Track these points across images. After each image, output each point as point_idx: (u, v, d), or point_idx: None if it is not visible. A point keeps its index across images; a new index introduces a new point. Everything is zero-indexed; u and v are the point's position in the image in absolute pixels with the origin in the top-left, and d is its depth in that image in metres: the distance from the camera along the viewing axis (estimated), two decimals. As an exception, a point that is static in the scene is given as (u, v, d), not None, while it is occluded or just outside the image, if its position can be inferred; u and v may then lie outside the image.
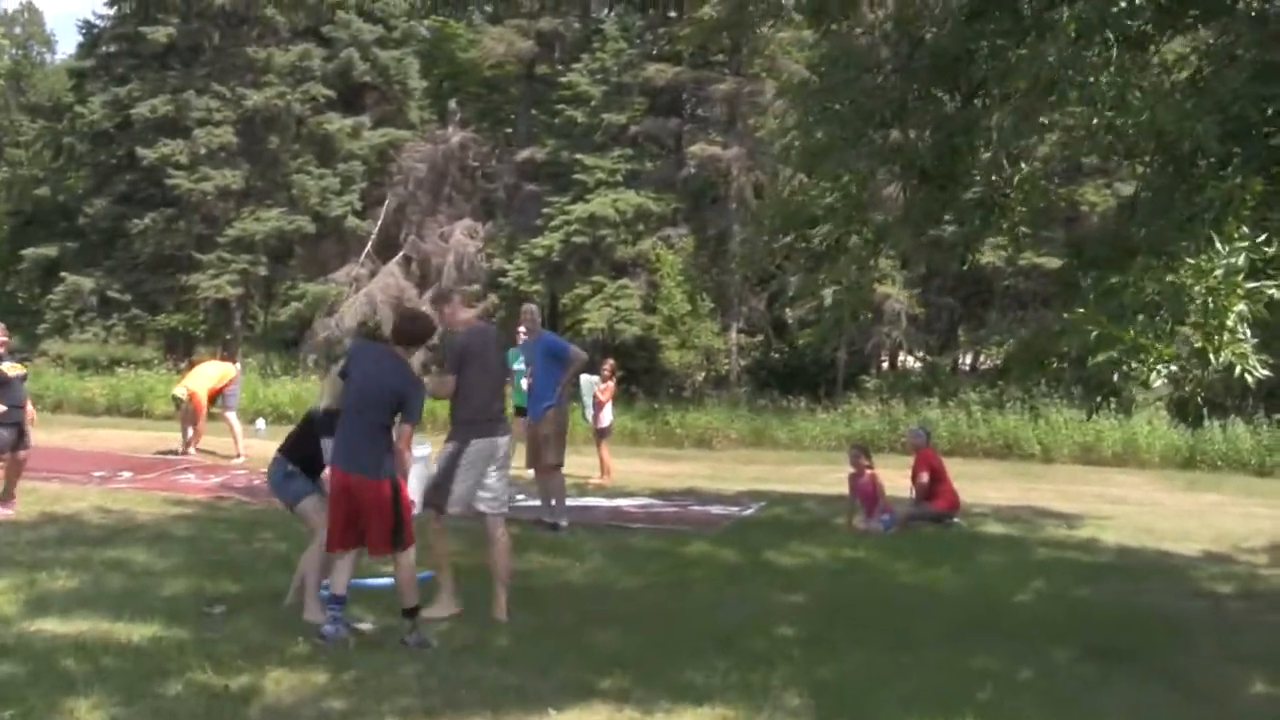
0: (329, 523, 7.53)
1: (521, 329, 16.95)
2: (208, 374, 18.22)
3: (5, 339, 12.32)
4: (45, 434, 20.28)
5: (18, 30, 55.81)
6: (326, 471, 7.82)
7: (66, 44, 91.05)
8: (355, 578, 7.82)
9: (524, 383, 16.01)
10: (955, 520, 13.44)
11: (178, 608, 7.98)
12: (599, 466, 16.70)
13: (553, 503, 12.17)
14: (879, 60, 9.16)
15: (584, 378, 15.97)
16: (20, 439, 12.17)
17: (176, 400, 18.22)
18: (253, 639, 7.33)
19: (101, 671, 6.54)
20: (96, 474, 15.36)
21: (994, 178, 8.47)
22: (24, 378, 12.54)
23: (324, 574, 7.84)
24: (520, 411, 16.42)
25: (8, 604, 7.99)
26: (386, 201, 31.42)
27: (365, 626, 7.70)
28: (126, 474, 15.50)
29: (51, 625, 7.46)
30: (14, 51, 54.52)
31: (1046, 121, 7.87)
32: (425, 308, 28.25)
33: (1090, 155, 10.89)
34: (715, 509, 14.31)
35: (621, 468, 17.64)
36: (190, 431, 17.80)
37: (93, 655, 6.83)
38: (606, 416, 16.98)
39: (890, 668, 7.35)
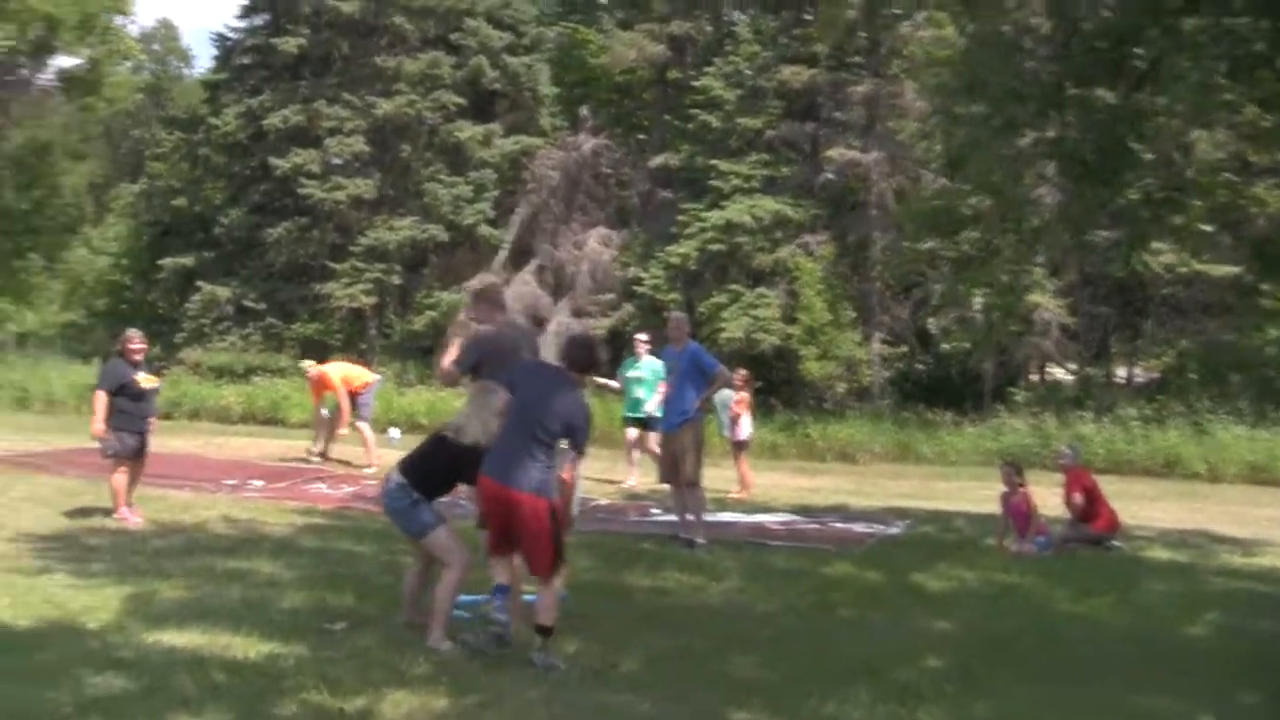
0: (490, 533, 7.52)
1: (641, 338, 17.19)
2: (345, 366, 18.71)
3: (143, 347, 12.52)
4: (179, 441, 20.67)
5: (155, 46, 57.49)
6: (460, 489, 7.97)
7: (204, 58, 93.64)
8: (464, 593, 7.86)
9: (638, 391, 16.43)
10: (1115, 543, 12.82)
11: (297, 622, 7.90)
12: (738, 480, 16.54)
13: (689, 518, 11.92)
14: (1030, 48, 8.72)
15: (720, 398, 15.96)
16: (141, 449, 12.36)
17: (306, 374, 18.56)
18: (373, 658, 7.14)
19: (215, 689, 6.42)
20: (227, 482, 15.48)
21: (1166, 167, 7.94)
22: (157, 390, 12.76)
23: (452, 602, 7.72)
24: (631, 422, 16.84)
25: (127, 615, 7.97)
26: (519, 209, 31.57)
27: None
28: (258, 483, 15.62)
29: (169, 637, 7.39)
30: (152, 67, 56.10)
31: (1231, 98, 7.33)
32: (559, 317, 28.41)
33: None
34: (859, 527, 13.96)
35: (761, 481, 17.44)
36: (321, 442, 17.91)
37: (207, 671, 6.71)
38: (745, 429, 16.78)
39: (1051, 706, 6.91)
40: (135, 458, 12.44)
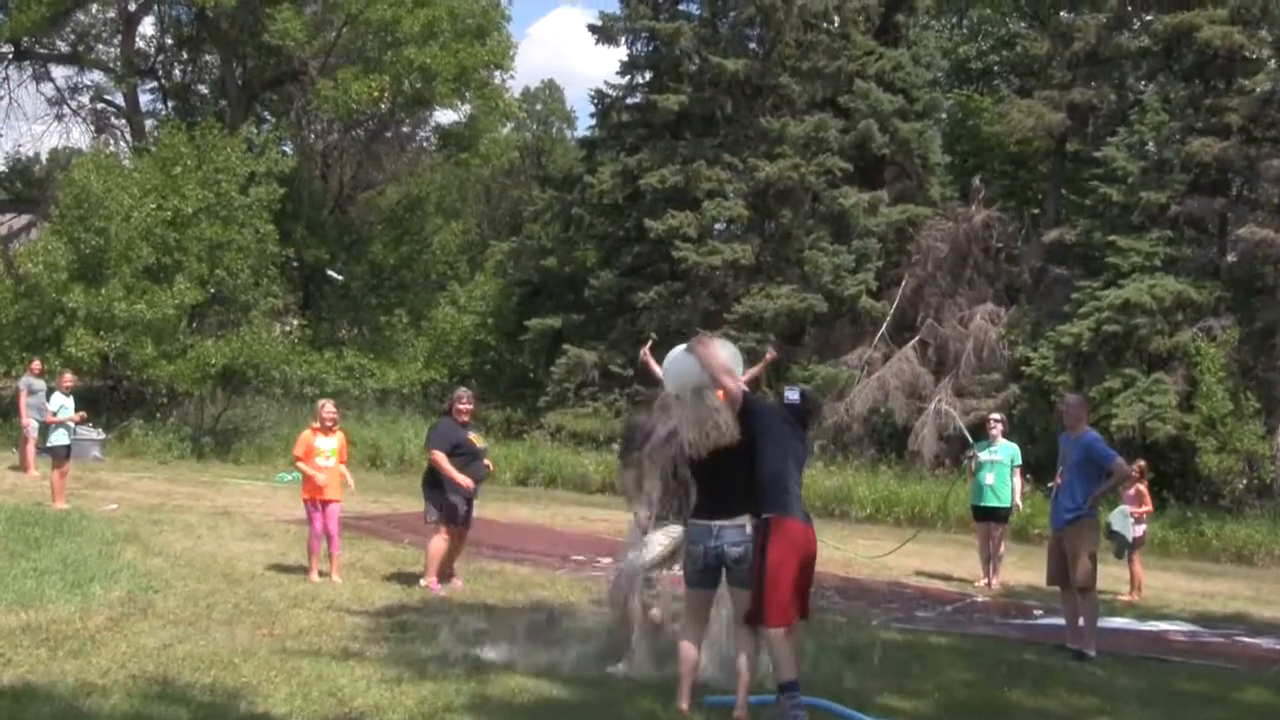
0: (780, 593, 8.40)
1: (995, 418, 17.82)
2: None
3: (471, 406, 13.71)
4: (527, 510, 22.72)
5: (539, 107, 61.99)
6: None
7: (586, 122, 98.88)
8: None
9: (988, 478, 16.94)
10: None
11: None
12: (1129, 580, 17.08)
13: (1080, 626, 12.11)
14: None
15: (1117, 511, 16.42)
16: (468, 515, 13.57)
17: None
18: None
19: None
20: (574, 558, 16.71)
21: None
22: (485, 452, 13.99)
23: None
24: (980, 514, 17.30)
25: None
26: (904, 282, 33.24)
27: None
28: (606, 560, 16.02)
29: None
30: (534, 127, 60.87)
31: None
32: (941, 396, 30.07)
33: None
34: (1267, 642, 13.85)
35: (1152, 583, 17.80)
36: None
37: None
38: (1140, 527, 17.04)
39: None
40: (462, 524, 13.55)
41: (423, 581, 13.39)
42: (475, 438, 13.80)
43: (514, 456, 30.49)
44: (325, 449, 13.80)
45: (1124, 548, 16.55)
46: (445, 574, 13.58)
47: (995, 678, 10.65)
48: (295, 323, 36.87)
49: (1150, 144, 30.11)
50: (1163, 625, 14.55)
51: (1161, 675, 11.27)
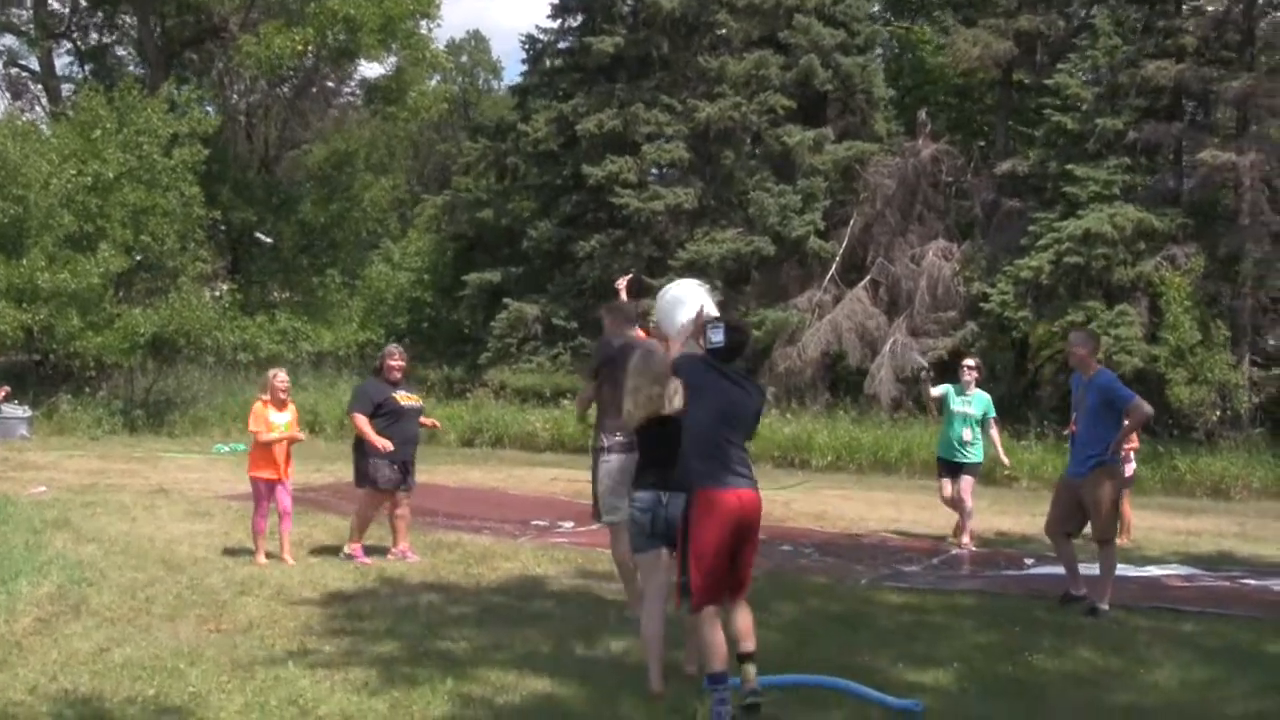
0: (716, 568, 7.69)
1: (969, 364, 16.02)
2: None
3: (403, 363, 13.09)
4: (479, 473, 21.83)
5: (464, 58, 60.78)
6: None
7: (515, 72, 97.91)
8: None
9: (964, 433, 15.33)
10: None
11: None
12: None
13: (1098, 578, 11.46)
14: None
15: None
16: (405, 479, 12.86)
17: None
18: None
19: None
20: (535, 523, 15.95)
21: None
22: (419, 410, 13.27)
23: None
24: (947, 467, 15.62)
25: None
26: (852, 221, 32.29)
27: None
28: (568, 524, 15.76)
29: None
30: (460, 80, 59.59)
31: None
32: (895, 336, 29.17)
33: None
34: (1276, 583, 13.27)
35: (1134, 522, 17.11)
36: None
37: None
38: (1129, 465, 15.97)
39: None
40: (401, 489, 12.89)
41: (346, 549, 12.83)
42: (407, 396, 13.09)
43: (458, 417, 29.37)
44: (279, 423, 12.70)
45: None
46: (395, 546, 13.06)
47: (1011, 640, 10.00)
48: (224, 287, 35.70)
49: (1104, 69, 29.23)
50: (1158, 570, 14.01)
51: (1180, 627, 10.73)
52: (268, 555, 12.54)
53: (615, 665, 8.86)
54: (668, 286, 8.81)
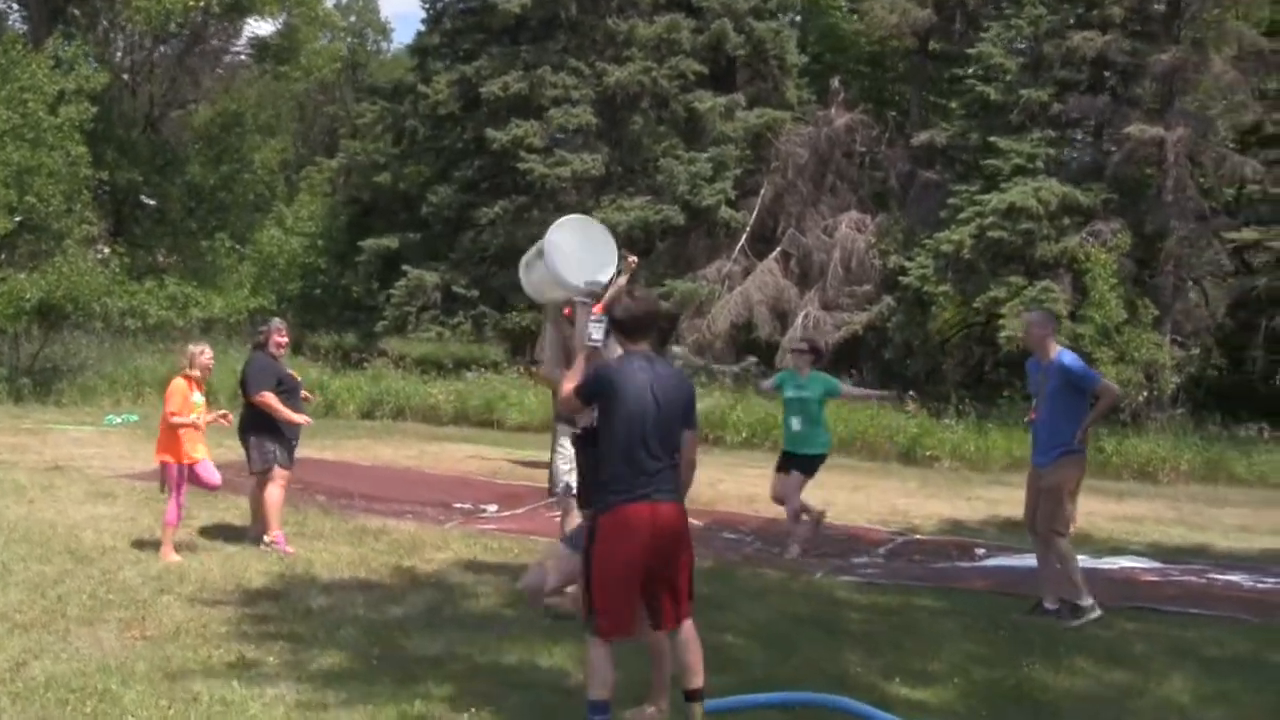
0: (611, 598, 6.75)
1: (801, 348, 14.05)
2: None
3: (287, 339, 12.44)
4: (388, 450, 20.72)
5: (353, 19, 59.20)
6: None
7: (404, 33, 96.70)
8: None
9: (794, 422, 13.29)
10: None
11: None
12: None
13: (1069, 576, 10.41)
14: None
15: None
16: (289, 456, 12.08)
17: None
18: None
19: None
20: (457, 506, 15.12)
21: None
22: (302, 383, 12.65)
23: None
24: (782, 457, 13.56)
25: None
26: (763, 191, 31.30)
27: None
28: (491, 507, 15.11)
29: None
30: (349, 40, 57.80)
31: None
32: (807, 309, 28.18)
33: None
34: (1243, 579, 12.71)
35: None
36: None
37: None
38: None
39: None
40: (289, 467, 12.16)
41: (268, 538, 11.75)
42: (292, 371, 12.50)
43: (356, 387, 27.70)
44: (198, 403, 11.51)
45: None
46: (269, 532, 11.90)
47: (1001, 649, 9.29)
48: (105, 250, 33.66)
49: (1029, 40, 28.38)
50: (1121, 561, 13.35)
51: (1170, 632, 10.07)
52: (177, 548, 11.32)
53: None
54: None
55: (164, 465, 11.39)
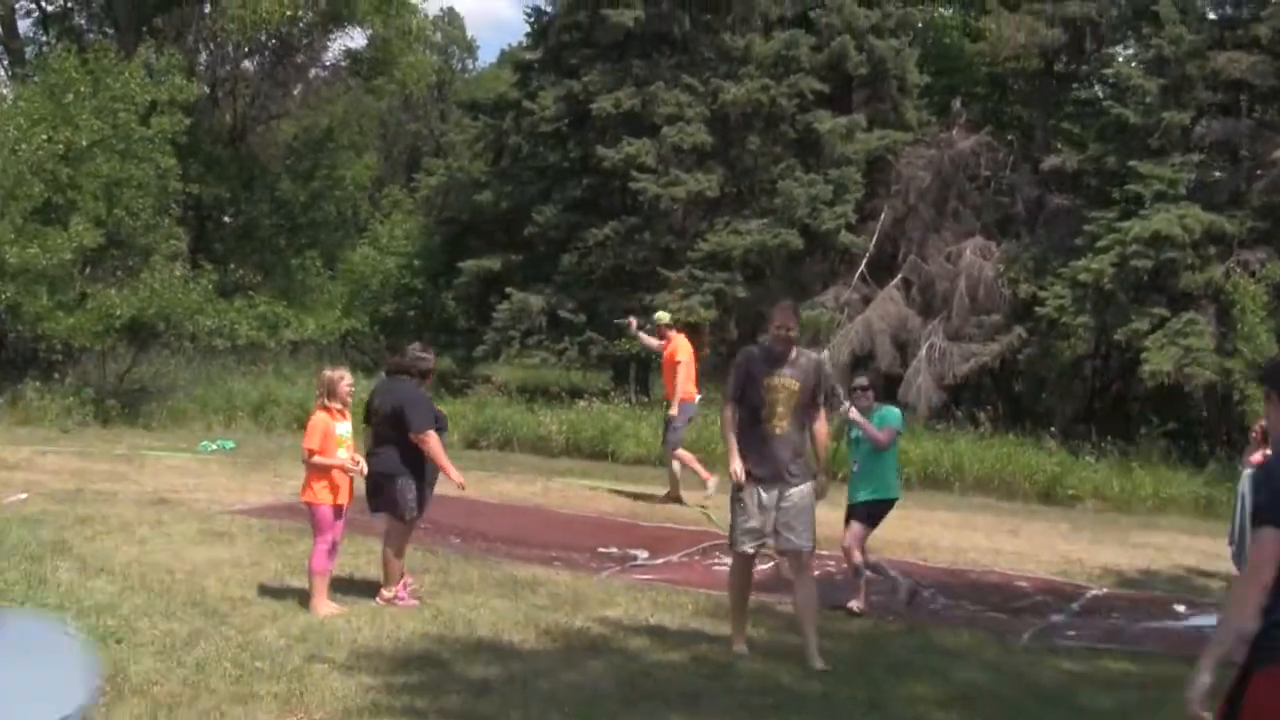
0: None
1: (861, 383, 12.51)
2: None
3: (432, 368, 11.61)
4: (510, 485, 19.97)
5: (438, 37, 59.03)
6: None
7: (489, 51, 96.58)
8: None
9: (853, 465, 12.13)
10: None
11: None
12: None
13: None
14: None
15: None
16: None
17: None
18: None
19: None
20: (602, 551, 14.27)
21: None
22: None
23: None
24: (854, 511, 12.02)
25: None
26: (882, 215, 30.32)
27: None
28: (641, 554, 14.24)
29: None
30: (434, 59, 57.66)
31: None
32: (932, 339, 27.31)
33: None
34: None
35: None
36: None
37: None
38: None
39: None
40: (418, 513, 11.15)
41: (386, 593, 10.87)
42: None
43: (461, 415, 26.72)
44: (345, 437, 10.67)
45: None
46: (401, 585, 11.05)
47: None
48: (184, 267, 33.12)
49: (1170, 60, 27.13)
50: None
51: None
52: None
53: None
54: None
55: (314, 508, 10.54)
